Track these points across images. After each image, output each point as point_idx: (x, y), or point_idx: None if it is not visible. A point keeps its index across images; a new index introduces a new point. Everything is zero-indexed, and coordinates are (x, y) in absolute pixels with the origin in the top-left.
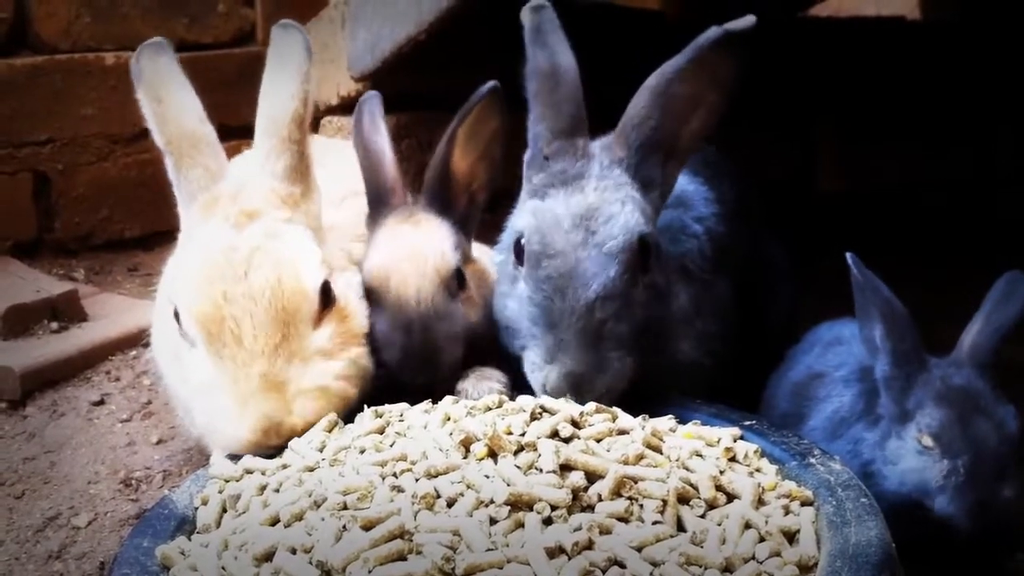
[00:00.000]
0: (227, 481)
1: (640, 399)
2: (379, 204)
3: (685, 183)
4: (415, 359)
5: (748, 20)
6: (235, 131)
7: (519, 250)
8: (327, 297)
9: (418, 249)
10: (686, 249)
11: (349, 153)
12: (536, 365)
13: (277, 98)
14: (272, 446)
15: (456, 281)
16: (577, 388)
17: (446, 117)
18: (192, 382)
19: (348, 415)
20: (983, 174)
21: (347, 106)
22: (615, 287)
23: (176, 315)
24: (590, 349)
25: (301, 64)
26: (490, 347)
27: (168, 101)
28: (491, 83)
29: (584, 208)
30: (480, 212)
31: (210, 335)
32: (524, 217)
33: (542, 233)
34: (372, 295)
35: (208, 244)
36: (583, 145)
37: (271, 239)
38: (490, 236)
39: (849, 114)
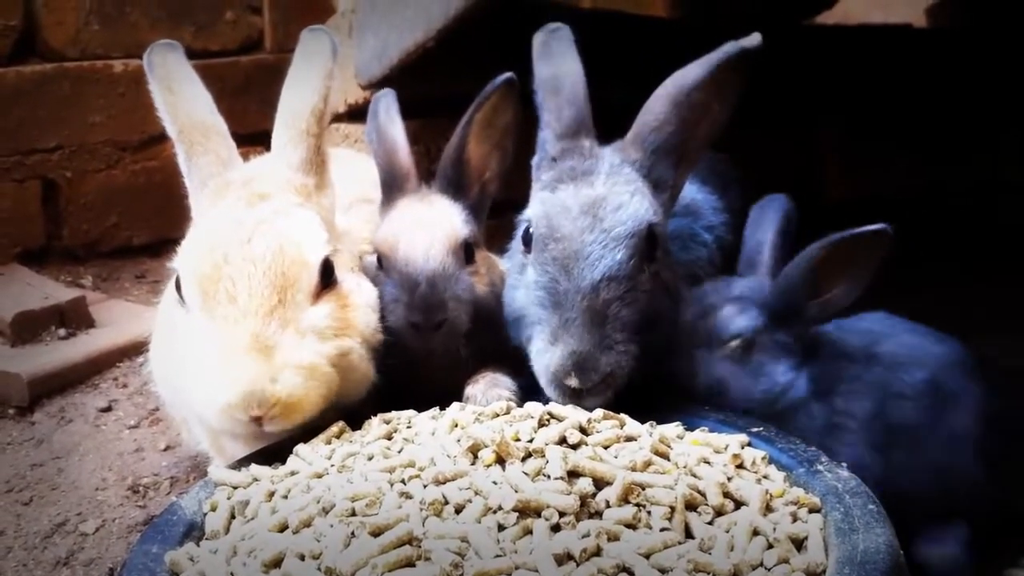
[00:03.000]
0: (235, 487)
1: (648, 405)
2: (393, 190)
3: (694, 192)
4: (419, 314)
5: (755, 39)
6: (243, 139)
7: (527, 238)
8: (328, 276)
9: (429, 218)
10: (695, 256)
11: (357, 160)
12: (540, 349)
13: (299, 91)
14: (252, 417)
15: (464, 252)
16: (581, 368)
17: (453, 124)
18: (182, 349)
19: (355, 421)
20: (987, 180)
21: (354, 114)
22: (621, 269)
23: (177, 285)
24: (595, 329)
25: (326, 62)
26: (496, 336)
27: (179, 92)
28: (507, 74)
29: (593, 198)
30: (490, 202)
31: (205, 294)
32: (533, 207)
33: (549, 218)
34: (382, 262)
35: (217, 219)
36: (589, 146)
37: (279, 215)
38: (497, 242)
39: (856, 121)
